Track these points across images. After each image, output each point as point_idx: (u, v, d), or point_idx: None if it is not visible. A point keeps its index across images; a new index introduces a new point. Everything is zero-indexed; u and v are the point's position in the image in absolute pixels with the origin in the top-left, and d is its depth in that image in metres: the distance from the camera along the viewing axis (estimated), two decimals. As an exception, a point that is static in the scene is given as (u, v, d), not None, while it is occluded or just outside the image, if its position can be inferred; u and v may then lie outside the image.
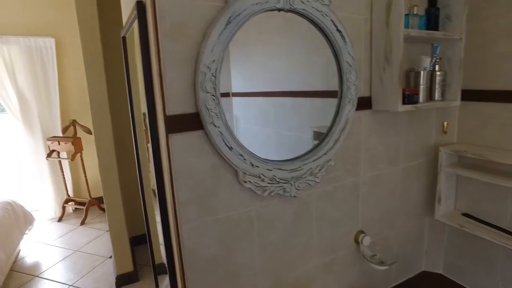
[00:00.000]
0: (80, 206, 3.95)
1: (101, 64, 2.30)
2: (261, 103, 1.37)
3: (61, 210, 3.97)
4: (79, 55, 4.04)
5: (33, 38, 3.69)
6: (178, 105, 1.13)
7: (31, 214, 3.32)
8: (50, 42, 3.77)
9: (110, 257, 3.01)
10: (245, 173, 1.24)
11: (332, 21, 1.37)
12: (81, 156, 3.76)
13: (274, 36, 1.39)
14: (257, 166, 1.26)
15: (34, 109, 3.75)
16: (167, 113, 1.12)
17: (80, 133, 3.86)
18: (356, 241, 1.77)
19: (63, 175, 3.90)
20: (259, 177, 1.27)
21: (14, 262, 2.99)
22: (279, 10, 1.25)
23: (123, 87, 2.80)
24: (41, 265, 3.01)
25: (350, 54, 1.44)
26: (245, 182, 1.25)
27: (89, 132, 3.79)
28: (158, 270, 2.13)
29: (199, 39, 1.12)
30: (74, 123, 3.79)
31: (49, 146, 3.73)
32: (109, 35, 2.58)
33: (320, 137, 1.52)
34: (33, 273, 2.90)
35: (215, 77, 1.12)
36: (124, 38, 1.69)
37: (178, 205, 1.20)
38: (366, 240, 1.73)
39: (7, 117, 3.86)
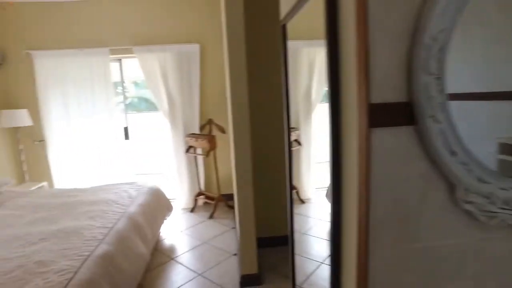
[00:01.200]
0: (209, 200, 4.22)
1: (244, 66, 2.35)
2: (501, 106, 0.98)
3: (193, 202, 4.32)
4: (217, 59, 4.45)
5: (183, 45, 4.13)
6: (386, 91, 0.88)
7: (171, 203, 3.67)
8: (196, 48, 4.16)
9: (235, 254, 3.08)
10: (467, 189, 0.91)
11: None
12: (214, 153, 4.01)
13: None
14: (487, 182, 0.91)
15: (178, 108, 4.18)
16: (372, 101, 0.87)
17: (215, 131, 4.12)
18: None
19: (197, 169, 4.24)
20: (488, 197, 0.92)
21: (156, 242, 3.35)
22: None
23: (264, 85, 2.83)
24: (175, 250, 3.30)
25: None
26: (465, 202, 0.92)
27: (223, 131, 4.02)
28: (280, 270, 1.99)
29: (420, 1, 0.85)
30: (210, 122, 4.07)
31: (187, 142, 4.10)
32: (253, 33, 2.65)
33: None
34: (169, 255, 3.19)
35: (443, 53, 0.83)
36: (284, 26, 1.63)
37: (371, 226, 0.93)
38: None
39: (158, 115, 4.41)
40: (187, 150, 4.10)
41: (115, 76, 4.78)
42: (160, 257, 3.14)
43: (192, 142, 4.04)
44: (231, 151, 3.51)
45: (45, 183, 4.24)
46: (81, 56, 4.13)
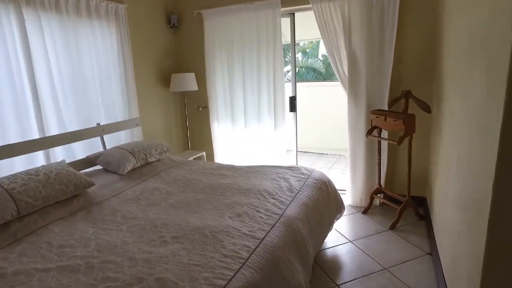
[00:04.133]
0: (390, 203, 3.04)
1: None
2: None
3: (368, 199, 3.23)
4: (426, 9, 3.04)
5: (377, -15, 2.93)
6: None
7: (342, 201, 2.71)
8: (396, -11, 2.88)
9: (445, 313, 1.88)
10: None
11: None
12: (409, 141, 2.76)
13: None
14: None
15: (362, 75, 3.07)
16: None
17: (413, 109, 2.84)
18: None
19: (379, 159, 3.09)
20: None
21: (316, 255, 2.47)
22: None
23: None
24: (340, 272, 2.34)
25: None
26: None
27: (427, 110, 2.70)
28: None
29: None
30: (407, 95, 2.81)
31: (371, 121, 2.98)
32: None
33: None
34: (333, 278, 2.26)
35: None
36: None
37: None
38: None
39: (328, 86, 3.42)
40: (370, 132, 2.99)
41: (285, 37, 4.02)
42: (319, 282, 2.25)
43: (379, 121, 2.89)
44: (437, 139, 2.21)
45: (203, 153, 3.97)
46: (249, 11, 3.51)
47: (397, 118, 2.69)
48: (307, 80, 8.29)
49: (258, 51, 3.56)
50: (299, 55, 8.82)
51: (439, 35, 2.71)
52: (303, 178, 2.51)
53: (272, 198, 2.16)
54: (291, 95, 3.67)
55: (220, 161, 4.08)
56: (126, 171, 2.66)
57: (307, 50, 8.60)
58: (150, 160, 2.93)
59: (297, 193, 2.24)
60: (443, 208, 2.19)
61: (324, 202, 2.39)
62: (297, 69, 9.18)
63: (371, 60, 3.01)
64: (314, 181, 2.47)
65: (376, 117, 2.90)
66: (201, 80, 3.95)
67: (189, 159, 3.61)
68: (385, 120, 2.81)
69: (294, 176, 2.56)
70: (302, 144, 5.61)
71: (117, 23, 3.22)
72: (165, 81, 3.94)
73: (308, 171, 2.67)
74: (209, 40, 3.76)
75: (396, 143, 2.69)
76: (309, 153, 5.56)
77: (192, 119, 4.22)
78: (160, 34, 3.89)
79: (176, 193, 2.34)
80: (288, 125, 3.76)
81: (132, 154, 2.78)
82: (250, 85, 3.69)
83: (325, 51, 3.39)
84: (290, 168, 2.77)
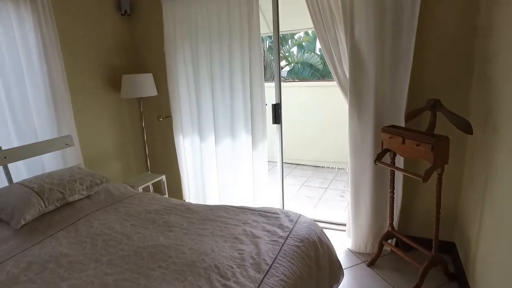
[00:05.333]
0: (407, 257, 2.19)
1: None
2: None
3: (375, 245, 2.39)
4: None
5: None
6: None
7: (340, 265, 1.86)
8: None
9: None
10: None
11: None
12: (439, 175, 1.90)
13: None
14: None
15: (369, 77, 2.20)
16: None
17: (445, 128, 1.98)
18: None
19: (392, 193, 2.23)
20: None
21: None
22: None
23: None
24: None
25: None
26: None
27: (467, 129, 1.83)
28: None
29: None
30: (435, 106, 1.94)
31: (382, 142, 2.12)
32: None
33: None
34: None
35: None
36: None
37: None
38: None
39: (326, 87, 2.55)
40: (380, 157, 2.13)
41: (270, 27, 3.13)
42: None
43: (394, 144, 2.03)
44: (482, 170, 1.36)
45: (163, 177, 3.10)
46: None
47: (423, 141, 1.82)
48: (302, 79, 7.42)
49: (230, 46, 2.69)
50: (294, 49, 7.91)
51: (486, 20, 1.84)
52: (282, 237, 1.66)
53: (242, 264, 1.34)
54: (274, 102, 2.80)
55: (187, 187, 3.24)
56: (22, 223, 1.81)
57: (303, 43, 7.70)
58: (71, 199, 2.08)
59: (267, 272, 1.39)
60: (495, 266, 1.36)
61: (311, 279, 1.54)
62: (292, 65, 8.29)
63: (382, 56, 2.13)
64: (297, 243, 1.61)
65: (390, 138, 2.04)
66: (162, 82, 3.09)
67: (140, 188, 2.76)
68: (403, 142, 1.95)
69: (268, 232, 1.71)
70: (295, 156, 4.75)
71: (33, 5, 2.34)
72: (116, 85, 3.07)
73: (291, 220, 1.83)
74: (170, 32, 2.89)
75: (419, 178, 1.83)
76: (302, 166, 4.70)
77: (151, 133, 3.36)
78: (108, 23, 3.02)
79: (81, 267, 1.49)
80: (272, 141, 2.91)
81: (39, 194, 1.93)
82: (220, 90, 2.82)
83: (319, 45, 2.52)
84: (265, 214, 1.92)
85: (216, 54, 2.75)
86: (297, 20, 4.51)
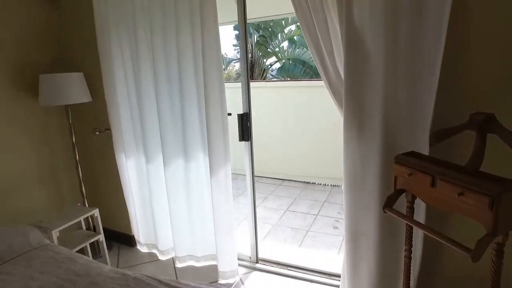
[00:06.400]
0: None
1: None
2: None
3: (383, 321, 1.62)
4: None
5: None
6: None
7: None
8: None
9: None
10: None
11: None
12: (499, 245, 1.13)
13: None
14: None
15: (376, 77, 1.43)
16: None
17: (499, 160, 1.22)
18: None
19: (409, 251, 1.47)
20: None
21: None
22: None
23: None
24: None
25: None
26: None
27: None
28: None
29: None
30: (486, 123, 1.18)
31: (395, 179, 1.35)
32: None
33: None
34: None
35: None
36: None
37: None
38: None
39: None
40: (391, 202, 1.35)
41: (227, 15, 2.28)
42: None
43: (415, 183, 1.27)
44: None
45: (95, 212, 2.31)
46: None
47: (473, 189, 1.05)
48: (293, 78, 6.66)
49: (178, 32, 1.91)
50: (284, 44, 7.13)
51: None
52: None
53: None
54: (242, 112, 2.03)
55: (135, 220, 2.49)
56: None
57: (295, 38, 6.92)
58: None
59: None
60: None
61: None
62: (283, 61, 7.50)
63: (395, 43, 1.36)
64: None
65: (410, 175, 1.27)
66: (98, 85, 2.32)
67: (55, 232, 1.98)
68: (432, 185, 1.18)
69: None
70: (281, 169, 4.00)
71: None
72: (36, 89, 2.29)
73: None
74: (102, 20, 2.11)
75: (466, 254, 1.06)
76: (289, 182, 3.93)
77: (88, 150, 2.58)
78: (23, 6, 2.23)
79: None
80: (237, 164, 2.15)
81: None
82: (167, 94, 2.05)
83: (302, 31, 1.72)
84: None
85: (160, 44, 1.97)
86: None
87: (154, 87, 2.07)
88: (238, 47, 8.25)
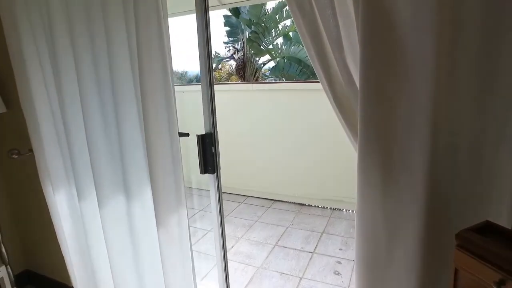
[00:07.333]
0: None
1: None
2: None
3: None
4: None
5: None
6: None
7: None
8: None
9: None
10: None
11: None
12: None
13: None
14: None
15: (415, 79, 0.80)
16: None
17: None
18: None
19: None
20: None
21: None
22: None
23: None
24: None
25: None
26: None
27: None
28: None
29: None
30: None
31: (456, 271, 0.72)
32: None
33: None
34: None
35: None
36: None
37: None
38: None
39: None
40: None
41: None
42: None
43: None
44: None
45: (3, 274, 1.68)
46: None
47: None
48: (288, 79, 6.05)
49: (107, 32, 1.28)
50: (279, 41, 6.49)
51: None
52: None
53: None
54: (203, 132, 1.39)
55: (72, 269, 1.87)
56: None
57: (290, 34, 6.29)
58: None
59: None
60: None
61: None
62: (276, 60, 6.87)
63: (451, 24, 0.74)
64: None
65: (499, 283, 0.64)
66: (12, 91, 1.69)
67: None
68: None
69: None
70: (272, 188, 3.37)
71: None
72: None
73: None
74: (10, 7, 1.47)
75: None
76: (280, 203, 3.29)
77: (3, 178, 1.95)
78: None
79: None
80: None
81: None
82: (98, 108, 1.42)
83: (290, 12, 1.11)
84: None
85: (86, 45, 1.34)
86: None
87: (79, 97, 1.45)
88: (229, 45, 7.64)
